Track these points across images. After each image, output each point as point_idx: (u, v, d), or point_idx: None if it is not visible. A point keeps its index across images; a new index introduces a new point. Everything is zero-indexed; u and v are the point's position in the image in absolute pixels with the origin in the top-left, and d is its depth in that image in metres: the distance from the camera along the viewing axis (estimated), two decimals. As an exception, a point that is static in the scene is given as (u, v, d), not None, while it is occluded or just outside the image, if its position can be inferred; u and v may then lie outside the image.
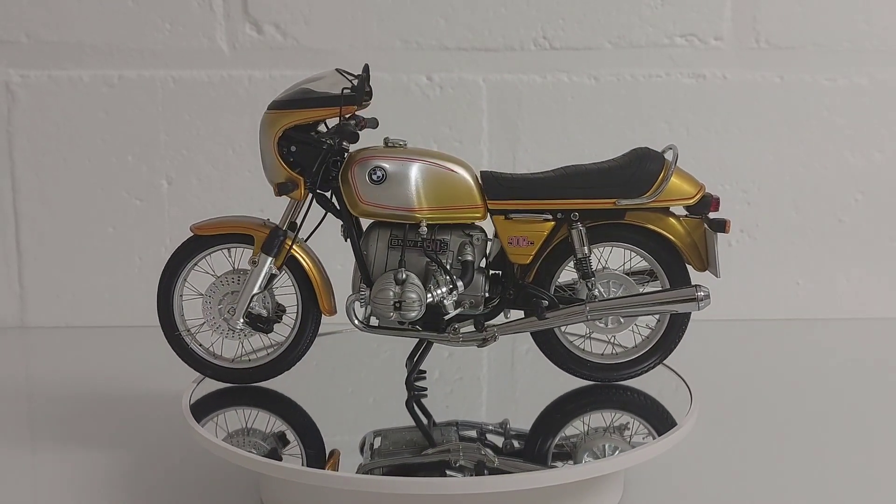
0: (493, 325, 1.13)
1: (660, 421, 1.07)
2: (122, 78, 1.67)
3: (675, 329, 1.16)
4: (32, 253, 1.72)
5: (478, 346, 1.13)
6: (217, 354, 1.20)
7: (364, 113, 1.15)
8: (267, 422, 1.12)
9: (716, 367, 1.50)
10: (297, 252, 1.15)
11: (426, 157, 1.11)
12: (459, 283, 1.10)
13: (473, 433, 1.07)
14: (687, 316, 1.15)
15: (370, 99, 1.15)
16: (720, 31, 1.67)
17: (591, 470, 0.96)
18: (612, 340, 1.17)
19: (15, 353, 1.63)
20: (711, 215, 1.12)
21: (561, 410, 1.13)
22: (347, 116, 1.12)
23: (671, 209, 1.12)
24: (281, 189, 1.12)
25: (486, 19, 1.67)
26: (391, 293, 1.09)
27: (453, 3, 1.66)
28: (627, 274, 1.15)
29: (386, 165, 1.11)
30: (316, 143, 1.12)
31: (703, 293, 1.11)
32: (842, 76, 1.69)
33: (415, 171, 1.11)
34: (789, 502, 1.08)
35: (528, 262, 1.12)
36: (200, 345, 1.21)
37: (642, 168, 1.10)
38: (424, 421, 1.10)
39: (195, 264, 1.21)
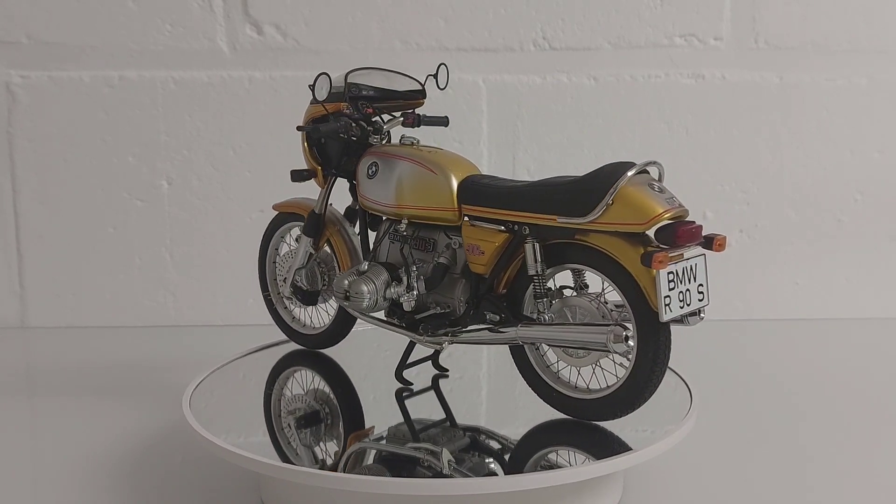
0: (449, 332, 1.09)
1: (600, 449, 1.00)
2: (122, 79, 1.68)
3: (638, 380, 0.99)
4: (32, 253, 1.72)
5: (438, 350, 1.12)
6: (295, 318, 1.31)
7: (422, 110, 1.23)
8: (267, 422, 1.12)
9: (716, 367, 1.50)
10: (333, 237, 1.22)
11: (416, 156, 1.12)
12: (418, 284, 1.10)
13: (469, 440, 1.06)
14: (655, 368, 0.98)
15: (423, 98, 1.23)
16: (719, 31, 1.68)
17: (591, 470, 0.96)
18: (578, 372, 1.06)
19: (15, 354, 1.63)
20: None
21: (542, 435, 1.07)
22: (412, 115, 1.19)
23: (647, 234, 0.98)
24: (293, 176, 1.24)
25: (486, 20, 1.67)
26: (346, 283, 1.12)
27: (453, 4, 1.66)
28: (604, 303, 1.02)
29: (379, 162, 1.14)
30: (337, 136, 1.17)
31: (615, 334, 0.96)
32: (841, 76, 1.69)
33: (401, 170, 1.12)
34: (789, 502, 1.08)
35: (483, 272, 1.06)
36: (285, 308, 1.31)
37: (588, 186, 0.97)
38: (443, 416, 1.10)
39: (281, 237, 1.31)
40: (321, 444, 1.05)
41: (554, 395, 1.07)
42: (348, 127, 1.16)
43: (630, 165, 0.97)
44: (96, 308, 1.74)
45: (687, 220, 0.96)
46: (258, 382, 1.24)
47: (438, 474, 0.96)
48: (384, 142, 1.17)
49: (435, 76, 1.21)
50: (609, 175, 0.96)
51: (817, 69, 1.69)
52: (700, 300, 0.97)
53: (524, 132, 1.70)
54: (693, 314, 0.97)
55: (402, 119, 1.19)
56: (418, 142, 1.16)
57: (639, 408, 1.01)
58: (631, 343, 0.97)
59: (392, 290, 1.11)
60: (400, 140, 1.16)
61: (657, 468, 1.12)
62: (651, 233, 0.96)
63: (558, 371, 1.07)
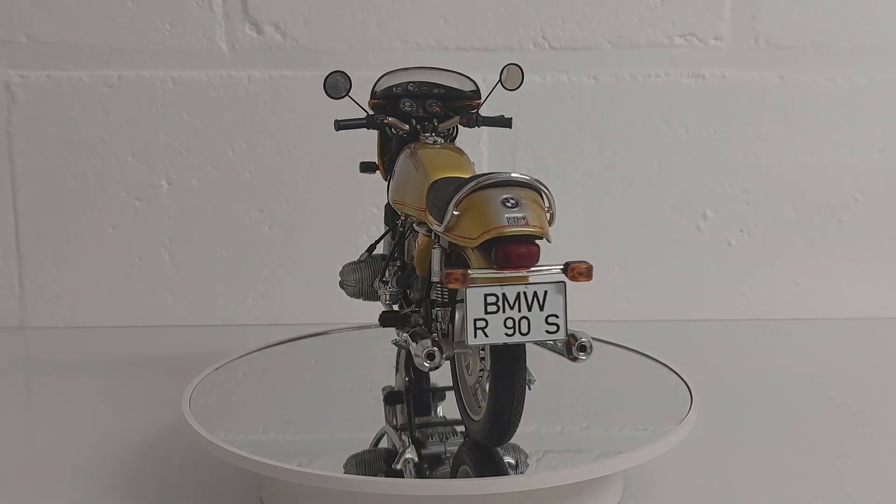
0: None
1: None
2: (121, 78, 1.67)
3: (489, 407, 0.93)
4: (32, 253, 1.72)
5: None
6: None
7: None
8: (267, 421, 1.12)
9: (716, 367, 1.49)
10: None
11: (416, 154, 1.11)
12: (392, 280, 1.10)
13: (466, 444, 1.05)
14: (497, 398, 0.92)
15: (479, 98, 1.20)
16: (720, 30, 1.67)
17: (591, 471, 0.96)
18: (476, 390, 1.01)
19: (15, 354, 1.63)
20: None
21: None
22: (470, 115, 1.17)
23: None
24: (361, 167, 1.24)
25: (486, 19, 1.67)
26: (344, 270, 1.15)
27: (453, 4, 1.66)
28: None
29: (400, 158, 1.15)
30: (390, 132, 1.18)
31: (421, 350, 0.92)
32: (841, 76, 1.69)
33: (404, 167, 1.12)
34: (789, 503, 1.08)
35: (419, 273, 1.03)
36: None
37: (452, 194, 0.93)
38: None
39: None
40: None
41: (460, 409, 1.03)
42: (374, 123, 1.16)
43: (480, 177, 0.92)
44: (95, 308, 1.73)
45: (525, 240, 0.89)
46: (258, 382, 1.24)
47: (438, 474, 0.96)
48: (447, 140, 1.17)
49: (500, 77, 1.18)
50: (462, 185, 0.92)
51: (818, 69, 1.68)
52: (551, 332, 0.89)
53: (524, 132, 1.69)
54: (578, 346, 0.91)
55: (458, 118, 1.16)
56: (441, 140, 1.14)
57: (502, 441, 0.95)
58: (431, 363, 0.91)
59: (377, 282, 1.13)
60: (424, 138, 1.15)
61: (657, 468, 1.12)
62: None
63: (475, 387, 1.01)
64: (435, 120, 1.16)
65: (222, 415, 1.11)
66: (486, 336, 0.88)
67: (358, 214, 1.70)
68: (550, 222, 0.93)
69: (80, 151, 1.69)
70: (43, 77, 1.67)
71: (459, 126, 1.19)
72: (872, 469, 1.15)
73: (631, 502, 1.06)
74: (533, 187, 0.93)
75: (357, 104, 1.18)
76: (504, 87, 1.19)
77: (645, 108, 1.69)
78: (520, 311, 0.88)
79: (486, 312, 0.88)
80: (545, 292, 0.89)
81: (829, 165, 1.71)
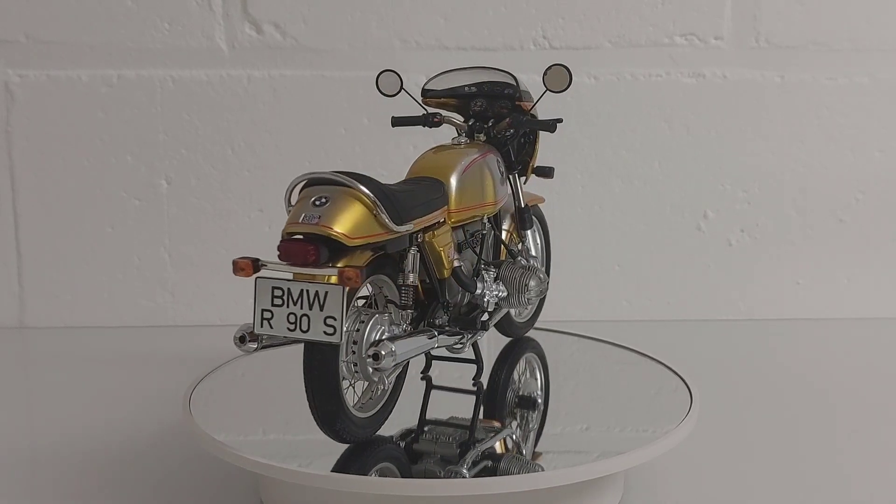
0: None
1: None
2: (120, 78, 1.67)
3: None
4: (32, 253, 1.72)
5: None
6: None
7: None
8: (267, 421, 1.12)
9: (716, 367, 1.49)
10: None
11: (427, 154, 1.11)
12: None
13: (458, 447, 1.04)
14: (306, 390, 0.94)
15: (520, 101, 1.18)
16: (720, 30, 1.67)
17: (591, 471, 0.96)
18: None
19: (14, 353, 1.63)
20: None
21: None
22: (514, 118, 1.16)
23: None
24: None
25: (486, 19, 1.67)
26: None
27: (453, 3, 1.66)
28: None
29: None
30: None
31: (237, 332, 0.95)
32: (842, 76, 1.69)
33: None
34: (789, 502, 1.08)
35: None
36: None
37: None
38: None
39: None
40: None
41: None
42: (430, 121, 1.16)
43: (311, 175, 0.92)
44: (94, 308, 1.73)
45: (310, 240, 0.89)
46: (258, 382, 1.24)
47: (438, 475, 0.96)
48: (500, 141, 1.16)
49: (543, 79, 1.13)
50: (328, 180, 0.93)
51: (819, 68, 1.68)
52: (328, 333, 0.89)
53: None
54: (372, 354, 0.91)
55: (507, 120, 1.14)
56: (465, 142, 1.13)
57: (328, 432, 0.96)
58: (240, 346, 0.94)
59: None
60: (452, 139, 1.15)
61: (657, 468, 1.12)
62: None
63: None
64: (491, 121, 1.15)
65: (222, 415, 1.11)
66: (272, 327, 0.91)
67: (358, 214, 1.69)
68: (384, 227, 0.92)
69: (79, 151, 1.69)
70: (42, 77, 1.67)
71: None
72: (872, 469, 1.15)
73: (631, 502, 1.06)
74: (355, 188, 0.91)
75: (415, 101, 1.18)
76: (549, 89, 1.14)
77: (645, 108, 1.69)
78: (302, 308, 0.90)
79: (273, 304, 0.91)
80: (325, 293, 0.89)
81: (830, 165, 1.71)
